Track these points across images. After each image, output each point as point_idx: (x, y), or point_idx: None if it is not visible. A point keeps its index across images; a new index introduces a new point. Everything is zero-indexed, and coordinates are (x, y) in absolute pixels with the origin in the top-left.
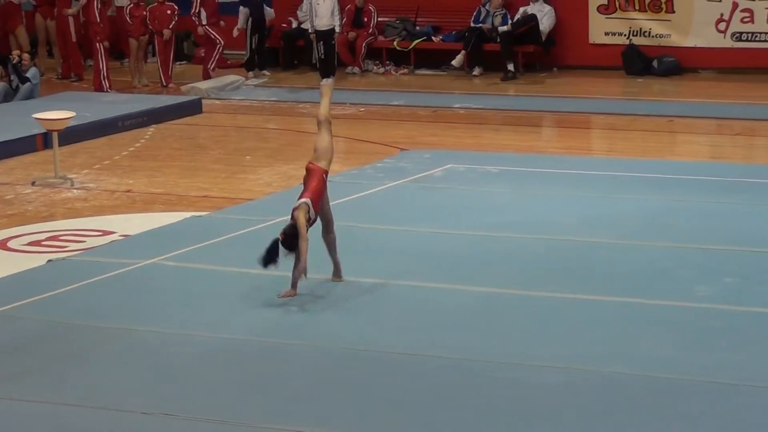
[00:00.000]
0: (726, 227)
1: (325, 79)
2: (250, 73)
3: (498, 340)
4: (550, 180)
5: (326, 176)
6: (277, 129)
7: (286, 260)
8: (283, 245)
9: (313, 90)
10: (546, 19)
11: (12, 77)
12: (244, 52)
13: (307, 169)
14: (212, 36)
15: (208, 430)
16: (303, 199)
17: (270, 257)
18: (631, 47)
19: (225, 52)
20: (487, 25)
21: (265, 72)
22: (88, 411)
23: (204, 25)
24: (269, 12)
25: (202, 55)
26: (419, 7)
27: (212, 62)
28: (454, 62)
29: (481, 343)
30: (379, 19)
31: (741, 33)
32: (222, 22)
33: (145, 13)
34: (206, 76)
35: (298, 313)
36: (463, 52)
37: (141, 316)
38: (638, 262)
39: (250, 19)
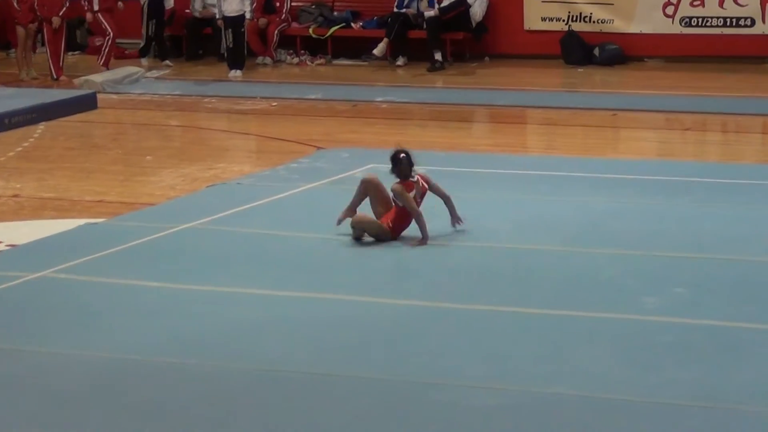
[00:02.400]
0: (676, 232)
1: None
2: (144, 60)
3: (427, 359)
4: (482, 181)
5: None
6: (181, 126)
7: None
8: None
9: (221, 82)
10: (477, 3)
11: None
12: (140, 41)
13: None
14: (103, 25)
15: None
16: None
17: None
18: (571, 34)
19: (120, 41)
20: (412, 10)
21: (168, 62)
22: None
23: (96, 12)
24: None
25: (98, 44)
26: None
27: (102, 57)
28: (375, 51)
29: (408, 361)
30: (293, 3)
31: (690, 18)
32: (120, 4)
33: None
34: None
35: (203, 330)
36: (385, 40)
37: (29, 335)
38: (579, 271)
39: (146, 2)
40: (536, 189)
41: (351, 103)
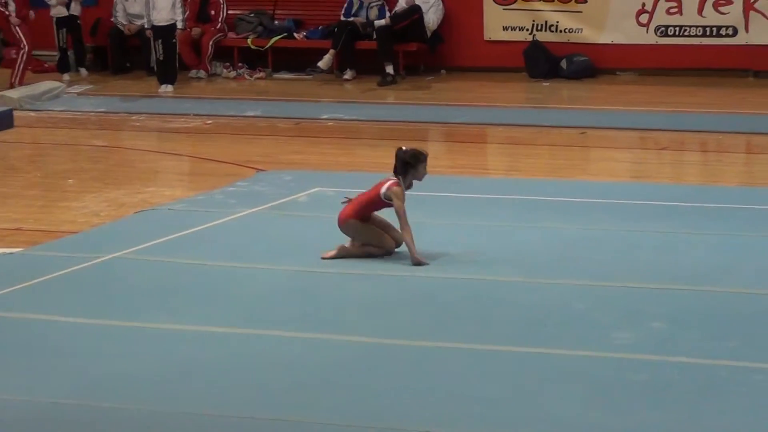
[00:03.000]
0: (651, 261)
1: None
2: (65, 76)
3: (379, 401)
4: (439, 206)
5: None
6: (106, 146)
7: None
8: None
9: (150, 98)
10: (432, 11)
11: None
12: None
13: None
14: (17, 36)
15: None
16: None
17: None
18: (535, 45)
19: (37, 52)
20: (361, 19)
21: (83, 70)
22: None
23: (14, 18)
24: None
25: (14, 56)
26: None
27: (16, 74)
28: (320, 64)
29: (359, 404)
30: (230, 11)
31: (667, 27)
32: (32, 13)
33: None
34: (19, 84)
35: (132, 371)
36: (331, 51)
37: None
38: (546, 304)
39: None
40: (498, 215)
41: (294, 121)
